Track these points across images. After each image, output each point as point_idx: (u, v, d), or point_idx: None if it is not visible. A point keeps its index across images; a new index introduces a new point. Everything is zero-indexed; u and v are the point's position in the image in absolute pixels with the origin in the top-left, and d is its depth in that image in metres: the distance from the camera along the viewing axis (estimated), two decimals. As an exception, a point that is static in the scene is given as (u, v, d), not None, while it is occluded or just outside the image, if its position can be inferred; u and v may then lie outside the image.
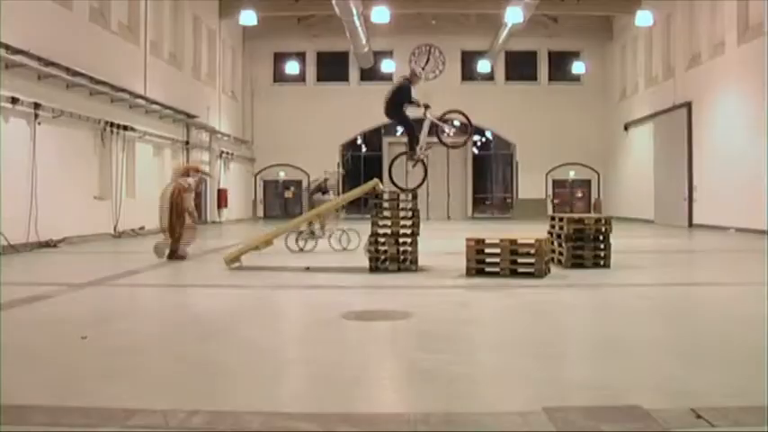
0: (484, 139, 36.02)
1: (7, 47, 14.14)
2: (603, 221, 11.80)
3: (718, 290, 9.52)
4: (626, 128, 31.42)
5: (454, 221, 32.42)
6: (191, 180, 13.56)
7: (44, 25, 16.02)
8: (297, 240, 14.77)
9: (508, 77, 34.86)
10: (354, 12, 24.60)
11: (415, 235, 11.22)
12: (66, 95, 16.80)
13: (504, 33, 28.80)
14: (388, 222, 11.28)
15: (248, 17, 24.66)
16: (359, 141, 35.93)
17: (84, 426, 3.70)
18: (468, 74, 34.56)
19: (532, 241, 10.51)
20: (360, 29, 27.06)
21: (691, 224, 24.54)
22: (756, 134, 20.31)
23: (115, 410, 3.89)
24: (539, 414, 3.81)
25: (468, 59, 34.16)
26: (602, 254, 11.55)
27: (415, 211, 11.32)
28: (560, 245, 11.75)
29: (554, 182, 34.94)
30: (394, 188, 11.86)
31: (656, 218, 27.76)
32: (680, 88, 25.56)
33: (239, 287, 9.65)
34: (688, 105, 24.90)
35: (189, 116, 24.81)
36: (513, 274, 10.33)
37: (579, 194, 35.14)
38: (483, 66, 32.29)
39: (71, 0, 17.38)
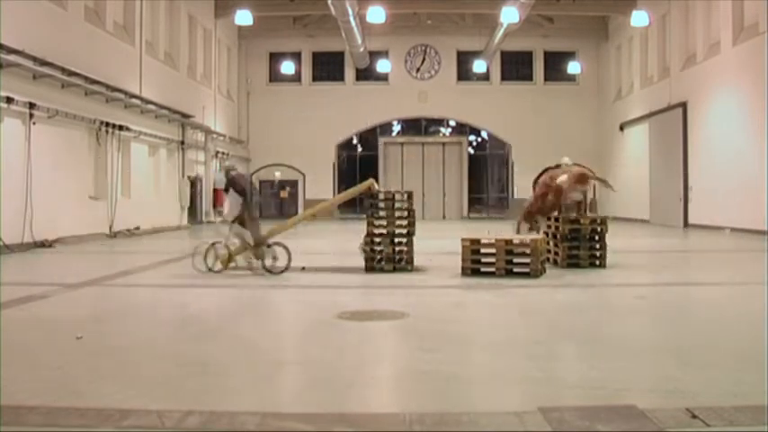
0: (479, 140, 36.04)
1: (2, 46, 14.10)
2: (599, 221, 11.82)
3: (714, 290, 9.54)
4: (621, 128, 31.47)
5: (450, 221, 32.43)
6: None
7: (39, 25, 15.97)
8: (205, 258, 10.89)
9: (504, 77, 34.88)
10: (350, 12, 24.58)
11: (410, 235, 11.22)
12: (61, 95, 16.76)
13: (500, 33, 28.80)
14: (384, 222, 11.28)
15: (244, 17, 24.64)
16: (354, 141, 35.93)
17: (79, 426, 3.70)
18: (464, 74, 34.59)
19: (528, 241, 10.53)
20: (355, 29, 27.05)
21: (686, 224, 24.58)
22: (752, 134, 20.36)
23: (110, 411, 3.89)
24: (534, 414, 3.81)
25: (464, 59, 34.18)
26: (597, 254, 11.57)
27: (410, 210, 11.32)
28: (556, 245, 11.77)
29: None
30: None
31: (652, 218, 27.82)
32: (675, 88, 25.61)
33: (234, 287, 9.63)
34: (683, 105, 24.93)
35: (184, 116, 24.76)
36: (509, 273, 10.33)
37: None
38: (478, 66, 32.29)
39: (66, 0, 17.35)
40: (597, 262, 11.53)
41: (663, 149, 26.81)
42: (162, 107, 22.63)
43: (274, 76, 34.65)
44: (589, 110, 34.40)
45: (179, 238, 20.44)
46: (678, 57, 25.62)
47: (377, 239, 11.16)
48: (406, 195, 11.47)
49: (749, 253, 15.04)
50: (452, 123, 35.70)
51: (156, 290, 9.61)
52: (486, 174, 37.02)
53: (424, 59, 34.88)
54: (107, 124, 19.06)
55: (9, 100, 14.56)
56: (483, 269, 10.52)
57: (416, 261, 11.27)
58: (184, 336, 6.37)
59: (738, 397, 4.15)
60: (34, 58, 15.24)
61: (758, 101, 19.73)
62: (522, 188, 34.54)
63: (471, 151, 35.82)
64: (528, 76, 34.90)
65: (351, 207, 30.51)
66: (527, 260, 10.38)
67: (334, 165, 34.71)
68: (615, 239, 13.40)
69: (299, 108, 33.70)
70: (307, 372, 5.00)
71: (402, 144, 35.43)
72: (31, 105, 15.36)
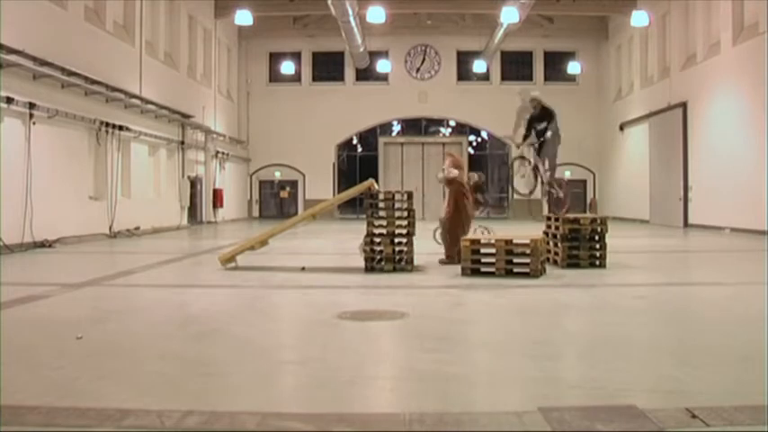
0: (479, 139, 36.05)
1: (2, 46, 14.11)
2: (599, 221, 11.82)
3: (714, 289, 9.54)
4: (621, 128, 31.48)
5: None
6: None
7: (39, 25, 15.98)
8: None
9: (504, 77, 34.89)
10: (350, 12, 24.60)
11: (410, 235, 11.21)
12: (61, 95, 16.77)
13: (500, 33, 28.82)
14: (384, 222, 11.28)
15: (243, 17, 24.67)
16: (354, 141, 35.94)
17: (79, 426, 3.70)
18: (464, 74, 34.61)
19: (528, 241, 10.53)
20: (355, 29, 27.06)
21: (686, 224, 24.59)
22: (752, 134, 20.37)
23: (110, 411, 3.88)
24: (534, 414, 3.81)
25: (464, 59, 34.21)
26: (597, 254, 11.57)
27: (410, 210, 11.32)
28: (556, 245, 11.78)
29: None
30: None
31: (652, 218, 27.83)
32: (675, 88, 25.62)
33: (234, 287, 9.64)
34: (683, 105, 24.95)
35: (184, 116, 24.78)
36: (509, 273, 10.34)
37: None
38: (478, 66, 32.32)
39: (66, 0, 17.35)
40: (597, 262, 11.53)
41: (663, 149, 26.82)
42: (162, 107, 22.65)
43: (274, 77, 34.66)
44: (589, 110, 34.40)
45: (179, 239, 20.45)
46: (678, 57, 25.63)
47: (377, 239, 11.16)
48: (405, 195, 11.46)
49: (749, 253, 15.05)
50: (452, 123, 35.71)
51: (157, 290, 9.62)
52: (486, 174, 37.00)
53: (424, 59, 34.89)
54: (107, 124, 19.07)
55: (9, 100, 14.56)
56: (483, 269, 10.52)
57: (416, 261, 11.27)
58: (184, 335, 6.37)
59: (738, 397, 4.15)
60: (34, 58, 15.24)
61: (758, 101, 19.74)
62: (523, 188, 34.57)
63: (471, 151, 35.84)
64: (528, 76, 34.89)
65: (351, 207, 30.54)
66: (527, 260, 10.39)
67: (334, 165, 34.72)
68: (615, 239, 13.40)
69: (299, 108, 33.71)
70: (307, 372, 5.00)
71: (402, 144, 35.45)
72: (31, 105, 15.36)
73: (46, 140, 16.06)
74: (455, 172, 12.61)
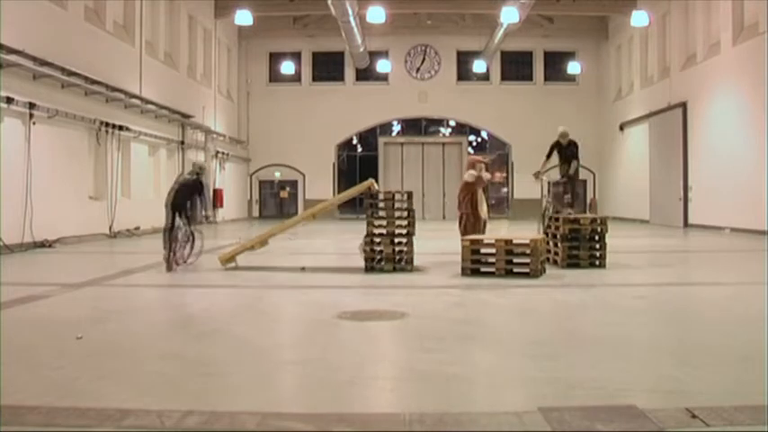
0: (479, 140, 36.05)
1: (2, 46, 14.10)
2: (599, 221, 11.82)
3: (714, 290, 9.54)
4: (621, 128, 31.47)
5: (450, 221, 32.39)
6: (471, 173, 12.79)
7: (39, 25, 15.98)
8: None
9: (504, 78, 34.88)
10: (350, 12, 24.59)
11: (410, 235, 11.22)
12: (61, 95, 16.77)
13: (500, 33, 28.81)
14: (384, 222, 11.28)
15: (243, 17, 24.67)
16: (354, 141, 35.94)
17: (79, 426, 3.70)
18: (464, 74, 34.60)
19: (528, 241, 10.53)
20: (355, 29, 27.06)
21: (686, 224, 24.59)
22: (752, 134, 20.37)
23: (110, 411, 3.89)
24: (534, 414, 3.81)
25: (464, 59, 34.19)
26: (597, 254, 11.58)
27: (410, 210, 11.32)
28: (556, 245, 11.78)
29: (549, 182, 34.92)
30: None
31: (652, 218, 27.82)
32: (675, 88, 25.61)
33: (234, 287, 9.64)
34: (683, 105, 24.94)
35: (184, 116, 24.77)
36: (509, 273, 10.34)
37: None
38: (478, 66, 32.31)
39: (66, 0, 17.35)
40: (597, 262, 11.53)
41: (663, 149, 26.81)
42: (162, 107, 22.64)
43: (274, 77, 34.65)
44: (589, 110, 34.38)
45: (179, 238, 20.40)
46: (678, 57, 25.62)
47: (377, 239, 11.16)
48: (405, 195, 11.47)
49: (749, 253, 15.04)
50: (452, 123, 35.71)
51: (157, 290, 9.62)
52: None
53: (424, 59, 34.88)
54: (107, 124, 19.06)
55: (9, 100, 14.56)
56: (483, 269, 10.52)
57: (416, 261, 11.27)
58: (185, 336, 6.38)
59: (738, 397, 4.16)
60: (34, 58, 15.24)
61: (758, 101, 19.74)
62: (523, 188, 34.62)
63: (471, 151, 35.82)
64: (528, 76, 34.89)
65: (351, 207, 30.53)
66: (527, 260, 10.39)
67: (334, 165, 34.72)
68: (615, 239, 13.41)
69: (299, 108, 33.71)
70: (307, 372, 5.00)
71: (402, 144, 35.44)
72: (31, 105, 15.36)
73: (46, 140, 16.05)
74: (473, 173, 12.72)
